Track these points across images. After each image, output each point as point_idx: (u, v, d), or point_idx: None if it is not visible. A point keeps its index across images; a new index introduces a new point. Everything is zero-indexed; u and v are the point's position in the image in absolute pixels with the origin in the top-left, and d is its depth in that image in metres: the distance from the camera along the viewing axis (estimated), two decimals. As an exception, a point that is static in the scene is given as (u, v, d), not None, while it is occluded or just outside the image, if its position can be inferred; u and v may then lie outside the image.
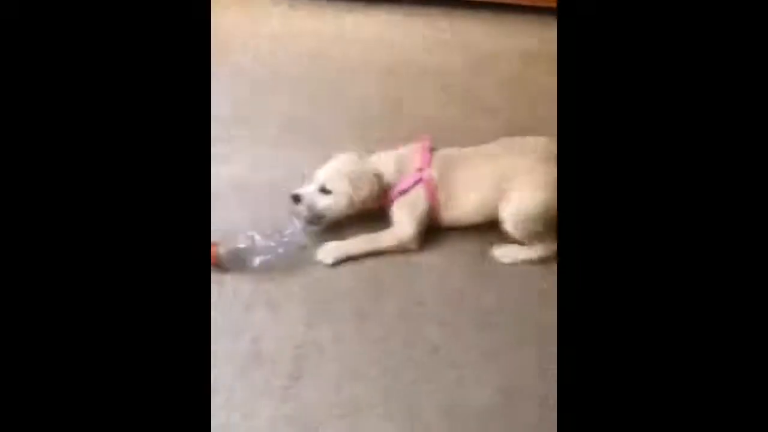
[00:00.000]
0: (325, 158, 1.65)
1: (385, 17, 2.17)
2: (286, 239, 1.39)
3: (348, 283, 1.38)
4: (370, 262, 1.42)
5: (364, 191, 1.42)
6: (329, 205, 1.44)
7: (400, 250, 1.44)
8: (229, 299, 1.32)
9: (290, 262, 1.38)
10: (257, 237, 1.37)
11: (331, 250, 1.42)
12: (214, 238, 1.41)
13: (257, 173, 1.61)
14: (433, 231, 1.48)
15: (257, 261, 1.36)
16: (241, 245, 1.36)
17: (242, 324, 1.29)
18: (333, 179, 1.43)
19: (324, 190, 1.43)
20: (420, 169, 1.45)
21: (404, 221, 1.44)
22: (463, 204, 1.45)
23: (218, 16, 2.11)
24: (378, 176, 1.45)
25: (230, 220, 1.47)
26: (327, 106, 1.81)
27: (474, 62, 2.12)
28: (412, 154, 1.48)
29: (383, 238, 1.44)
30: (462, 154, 1.48)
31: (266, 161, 1.64)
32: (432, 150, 1.48)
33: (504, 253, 1.44)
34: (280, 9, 2.17)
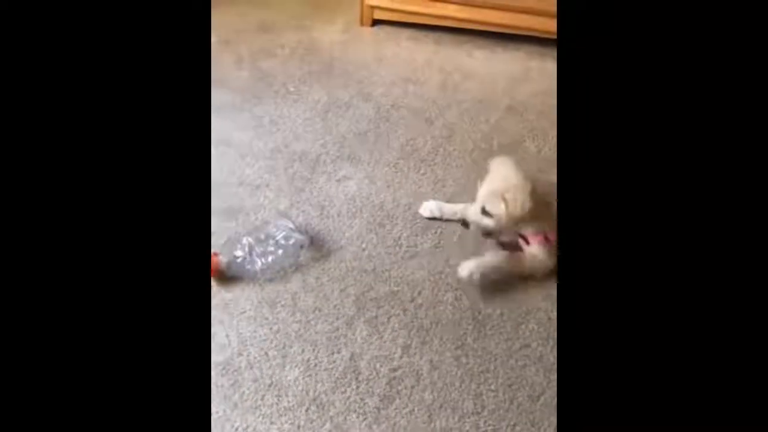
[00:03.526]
0: (437, 183, 1.66)
1: (512, 55, 2.17)
2: (282, 241, 1.41)
3: (451, 314, 1.35)
4: (475, 295, 1.39)
5: (517, 212, 1.37)
6: (492, 227, 1.42)
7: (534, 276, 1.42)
8: (331, 312, 1.34)
9: (294, 263, 1.42)
10: (252, 242, 1.40)
11: (473, 267, 1.38)
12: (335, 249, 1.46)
13: (375, 194, 1.64)
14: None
15: (258, 265, 1.38)
16: (239, 252, 1.39)
17: (342, 338, 1.30)
18: (491, 201, 1.41)
19: (485, 212, 1.41)
20: None
21: (542, 254, 1.41)
22: None
23: (351, 45, 2.22)
24: (534, 193, 1.39)
25: (347, 236, 1.51)
26: (446, 137, 1.82)
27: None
28: None
29: (523, 262, 1.42)
30: None
31: (384, 183, 1.67)
32: None
33: None
34: (409, 42, 2.24)
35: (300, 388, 1.21)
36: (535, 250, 1.43)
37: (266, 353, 1.27)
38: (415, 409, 1.18)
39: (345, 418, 1.16)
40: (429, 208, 1.57)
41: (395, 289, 1.40)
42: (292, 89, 1.99)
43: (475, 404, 1.19)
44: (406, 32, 2.26)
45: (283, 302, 1.36)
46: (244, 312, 1.34)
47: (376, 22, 2.30)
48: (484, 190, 1.43)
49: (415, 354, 1.27)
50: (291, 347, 1.28)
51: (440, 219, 1.55)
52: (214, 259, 1.38)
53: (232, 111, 1.89)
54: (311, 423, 1.15)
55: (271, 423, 1.15)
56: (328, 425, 1.15)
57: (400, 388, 1.21)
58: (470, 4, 2.15)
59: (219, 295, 1.36)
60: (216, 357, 1.25)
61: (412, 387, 1.21)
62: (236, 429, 1.14)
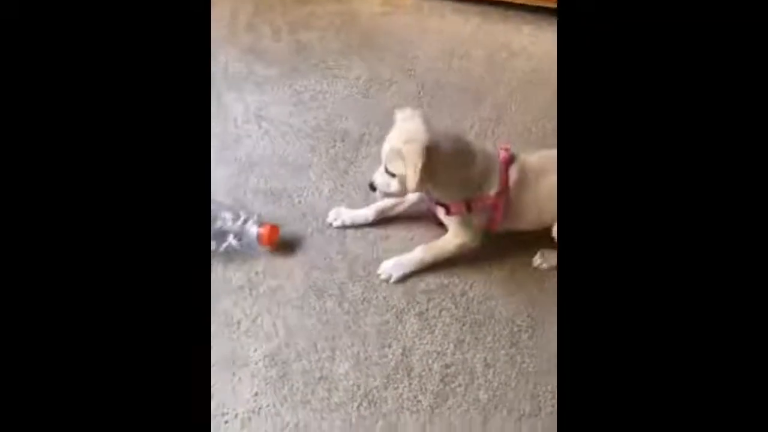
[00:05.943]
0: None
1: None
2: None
3: (504, 310, 1.31)
4: (529, 290, 1.34)
5: (417, 173, 1.19)
6: (396, 189, 1.29)
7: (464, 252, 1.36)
8: (380, 304, 1.30)
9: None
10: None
11: (393, 268, 1.34)
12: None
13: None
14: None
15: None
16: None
17: (392, 332, 1.26)
18: (391, 160, 1.25)
19: (388, 172, 1.27)
20: (499, 193, 1.29)
21: (461, 231, 1.34)
22: (525, 215, 1.33)
23: (392, 17, 2.12)
24: (432, 149, 1.19)
25: (393, 223, 1.46)
26: (494, 119, 1.75)
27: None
28: (498, 164, 1.30)
29: (445, 248, 1.35)
30: (539, 163, 1.31)
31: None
32: (512, 159, 1.31)
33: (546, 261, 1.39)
34: (453, 15, 2.14)
35: (351, 382, 1.18)
36: (454, 226, 1.33)
37: (315, 344, 1.23)
38: (470, 408, 1.15)
39: (398, 416, 1.13)
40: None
41: (445, 281, 1.35)
42: (332, 63, 1.91)
43: (531, 406, 1.15)
44: (449, 4, 2.16)
45: (330, 292, 1.32)
46: (290, 301, 1.30)
47: (418, -7, 2.20)
48: (385, 147, 1.26)
49: (468, 350, 1.23)
50: (340, 339, 1.24)
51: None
52: (275, 230, 1.36)
53: (271, 85, 1.83)
54: (364, 420, 1.12)
55: (322, 419, 1.12)
56: (381, 423, 1.12)
57: (453, 385, 1.18)
58: (518, -24, 2.05)
59: (265, 283, 1.32)
60: (263, 347, 1.22)
61: (467, 385, 1.18)
62: (287, 424, 1.11)
